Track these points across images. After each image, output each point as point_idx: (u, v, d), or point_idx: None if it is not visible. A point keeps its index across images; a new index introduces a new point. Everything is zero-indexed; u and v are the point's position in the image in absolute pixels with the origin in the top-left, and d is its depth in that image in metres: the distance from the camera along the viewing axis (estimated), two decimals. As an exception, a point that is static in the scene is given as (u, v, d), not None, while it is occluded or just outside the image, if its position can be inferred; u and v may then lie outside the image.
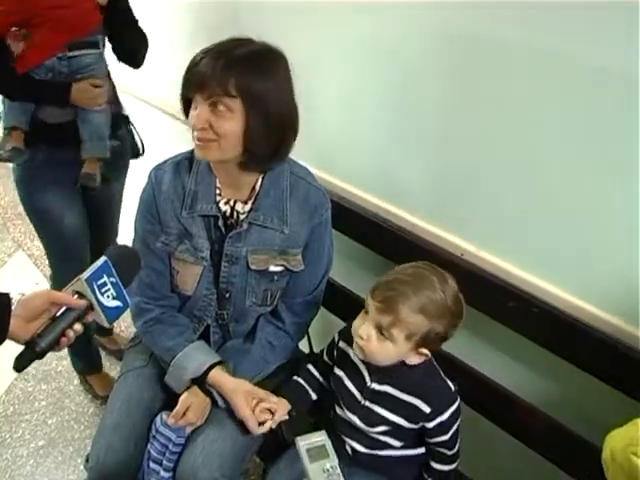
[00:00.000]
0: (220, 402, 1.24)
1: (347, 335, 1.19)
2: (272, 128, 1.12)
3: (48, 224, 1.69)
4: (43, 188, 1.63)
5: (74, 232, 1.71)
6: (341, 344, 1.21)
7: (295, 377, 1.28)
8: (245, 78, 1.07)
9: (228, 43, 1.11)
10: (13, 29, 1.42)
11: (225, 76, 1.06)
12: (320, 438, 0.87)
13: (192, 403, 1.22)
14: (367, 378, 1.13)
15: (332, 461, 0.85)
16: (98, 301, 0.92)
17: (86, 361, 2.03)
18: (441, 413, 1.09)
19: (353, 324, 1.10)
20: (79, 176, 1.59)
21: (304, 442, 0.85)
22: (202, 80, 1.07)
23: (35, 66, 1.46)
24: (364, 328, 1.06)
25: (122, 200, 1.89)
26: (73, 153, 1.58)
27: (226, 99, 1.07)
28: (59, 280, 1.76)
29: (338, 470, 0.84)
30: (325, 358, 1.27)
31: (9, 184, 3.25)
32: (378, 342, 1.05)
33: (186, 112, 1.16)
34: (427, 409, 1.08)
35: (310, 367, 1.29)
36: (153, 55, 2.07)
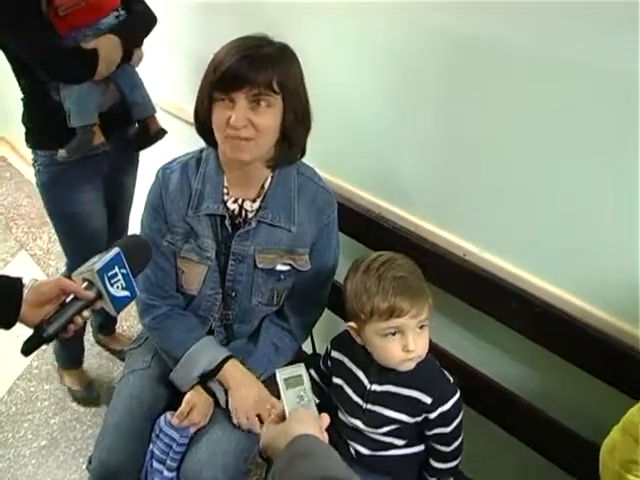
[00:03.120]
0: (222, 402, 1.24)
1: (339, 344, 1.20)
2: (302, 121, 1.17)
3: (75, 227, 1.71)
4: (74, 190, 1.65)
5: (99, 233, 1.75)
6: (334, 354, 1.21)
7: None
8: (284, 74, 1.10)
9: (251, 41, 1.12)
10: None
11: (269, 73, 1.08)
12: (297, 369, 0.95)
13: (196, 403, 1.23)
14: (366, 382, 1.13)
15: (305, 387, 0.92)
16: (107, 291, 0.94)
17: (73, 356, 2.04)
18: (442, 403, 1.09)
19: (389, 354, 1.06)
20: (151, 136, 1.69)
21: (282, 372, 0.94)
22: (245, 78, 1.07)
23: (85, 25, 1.49)
24: (411, 342, 1.04)
25: (134, 195, 1.91)
26: (109, 142, 1.62)
27: (269, 96, 1.09)
28: (71, 267, 1.79)
29: (311, 395, 0.92)
30: (322, 367, 1.28)
31: (11, 185, 3.27)
32: (423, 337, 1.06)
33: (202, 111, 1.16)
34: (428, 400, 1.09)
35: (312, 372, 1.29)
36: (158, 55, 2.08)
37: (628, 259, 1.04)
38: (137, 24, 1.62)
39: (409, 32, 1.26)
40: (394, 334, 1.04)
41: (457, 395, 1.11)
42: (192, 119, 1.22)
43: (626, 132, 0.99)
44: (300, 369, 0.94)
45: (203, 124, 1.18)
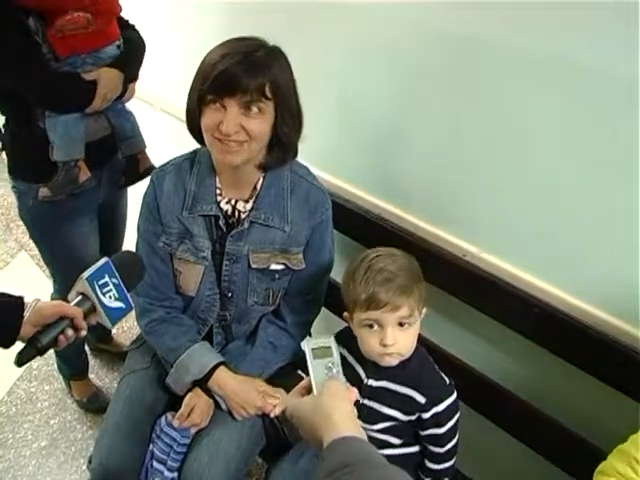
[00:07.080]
0: (222, 404, 1.25)
1: (342, 337, 1.20)
2: (294, 123, 1.16)
3: (69, 258, 1.60)
4: (68, 223, 1.56)
5: (91, 260, 1.69)
6: None
7: (299, 371, 1.28)
8: (275, 79, 1.09)
9: (243, 44, 1.10)
10: (79, 13, 1.35)
11: (261, 79, 1.07)
12: (326, 339, 0.91)
13: (196, 404, 1.23)
14: (363, 376, 1.13)
15: (334, 359, 0.89)
16: (100, 301, 0.93)
17: (73, 367, 2.00)
18: (436, 404, 1.08)
19: (368, 346, 1.06)
20: (141, 173, 1.62)
21: (310, 342, 0.90)
22: (238, 85, 1.06)
23: (87, 51, 1.40)
24: (388, 336, 1.02)
25: (126, 219, 1.86)
26: (99, 174, 1.56)
27: (261, 102, 1.08)
28: (61, 291, 1.72)
29: (339, 367, 0.89)
30: None
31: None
32: (405, 335, 1.04)
33: (193, 110, 1.15)
34: (422, 399, 1.08)
35: None
36: (154, 57, 2.08)
37: (628, 259, 1.04)
38: (135, 55, 1.55)
39: (410, 33, 1.26)
40: (374, 326, 1.04)
41: (452, 397, 1.10)
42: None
43: (628, 132, 0.99)
44: (329, 340, 0.90)
45: (193, 122, 1.17)
